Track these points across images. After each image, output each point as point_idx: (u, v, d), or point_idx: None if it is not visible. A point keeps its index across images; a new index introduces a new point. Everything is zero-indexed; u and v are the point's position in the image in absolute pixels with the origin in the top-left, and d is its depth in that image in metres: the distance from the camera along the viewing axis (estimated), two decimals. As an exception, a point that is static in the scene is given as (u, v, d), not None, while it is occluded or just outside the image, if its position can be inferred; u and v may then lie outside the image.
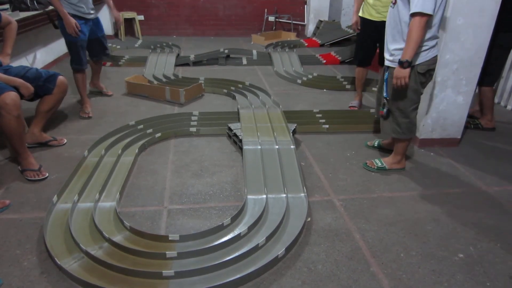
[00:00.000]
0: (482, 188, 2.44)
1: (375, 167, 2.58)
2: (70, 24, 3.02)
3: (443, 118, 2.87)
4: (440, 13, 2.14)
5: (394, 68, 2.26)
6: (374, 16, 3.23)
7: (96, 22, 3.37)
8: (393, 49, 2.28)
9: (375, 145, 2.87)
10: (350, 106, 3.68)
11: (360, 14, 3.36)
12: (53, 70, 2.78)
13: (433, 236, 1.98)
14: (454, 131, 2.94)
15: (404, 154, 2.58)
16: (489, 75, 3.07)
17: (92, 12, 3.24)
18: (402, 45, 2.20)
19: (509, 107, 3.80)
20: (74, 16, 3.06)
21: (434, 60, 2.26)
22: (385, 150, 2.82)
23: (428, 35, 2.16)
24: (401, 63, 2.17)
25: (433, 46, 2.22)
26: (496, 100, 3.93)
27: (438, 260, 1.81)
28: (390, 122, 2.48)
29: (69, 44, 3.17)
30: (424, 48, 2.19)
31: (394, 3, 2.23)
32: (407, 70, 2.18)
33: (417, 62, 2.22)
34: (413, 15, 2.07)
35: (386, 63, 2.36)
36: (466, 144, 3.03)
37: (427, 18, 2.06)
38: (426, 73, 2.27)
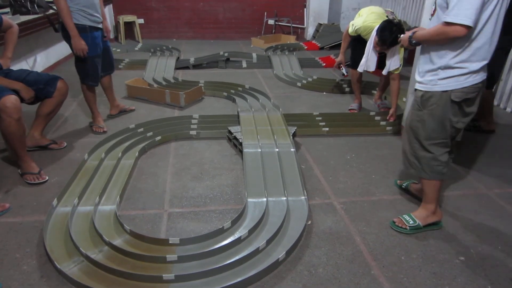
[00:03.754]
0: (483, 191, 2.43)
1: (408, 228, 2.00)
2: (80, 46, 2.72)
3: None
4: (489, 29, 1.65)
5: (421, 91, 1.83)
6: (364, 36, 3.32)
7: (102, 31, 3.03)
8: (427, 70, 1.80)
9: (403, 186, 2.36)
10: (350, 109, 3.69)
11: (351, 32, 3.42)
12: (54, 73, 2.76)
13: (433, 239, 1.97)
14: (454, 133, 2.93)
15: (436, 201, 2.00)
16: (488, 77, 3.08)
17: (101, 19, 2.93)
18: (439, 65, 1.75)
19: (508, 109, 3.80)
20: (91, 28, 2.78)
21: (474, 88, 1.75)
22: (414, 196, 2.29)
23: (463, 55, 1.69)
24: (410, 39, 1.83)
25: (476, 72, 1.72)
26: (495, 103, 3.93)
27: (439, 263, 1.81)
28: (408, 153, 1.99)
29: (84, 59, 2.83)
30: (460, 71, 1.71)
31: (433, 13, 1.78)
32: (406, 37, 1.85)
33: (450, 88, 1.75)
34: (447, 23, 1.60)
35: (416, 85, 1.90)
36: (466, 146, 3.03)
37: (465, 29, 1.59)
38: (463, 103, 1.77)
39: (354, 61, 3.54)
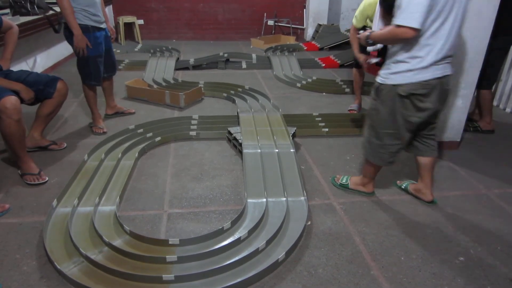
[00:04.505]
0: (482, 191, 2.44)
1: (338, 183, 2.41)
2: (82, 44, 2.73)
3: (442, 121, 2.87)
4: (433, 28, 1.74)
5: (378, 83, 1.98)
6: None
7: (106, 31, 3.03)
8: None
9: (403, 187, 2.40)
10: (349, 110, 3.69)
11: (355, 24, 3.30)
12: (54, 74, 2.76)
13: (433, 239, 1.98)
14: (453, 134, 2.94)
15: (371, 179, 2.28)
16: (487, 78, 3.09)
17: (103, 18, 2.96)
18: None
19: (508, 110, 3.81)
20: (93, 28, 2.79)
21: (423, 85, 1.83)
22: (413, 196, 2.34)
23: (412, 52, 1.80)
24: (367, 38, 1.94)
25: (417, 69, 1.81)
26: (494, 103, 3.94)
27: (438, 263, 1.81)
28: (364, 137, 2.18)
29: (86, 59, 2.84)
30: (408, 66, 1.83)
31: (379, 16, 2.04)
32: (364, 35, 1.95)
33: (398, 83, 1.87)
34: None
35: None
36: (465, 147, 3.03)
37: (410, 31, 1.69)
38: (411, 97, 1.87)
39: (356, 60, 3.52)
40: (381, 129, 2.02)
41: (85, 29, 2.75)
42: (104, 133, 3.09)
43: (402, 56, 1.83)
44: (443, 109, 2.00)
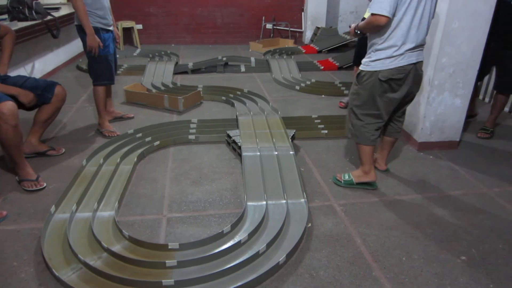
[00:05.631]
0: (483, 190, 2.43)
1: (342, 181, 2.44)
2: (94, 43, 2.81)
3: (441, 121, 2.87)
4: (404, 18, 1.99)
5: (359, 70, 2.22)
6: None
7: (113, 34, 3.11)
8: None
9: (346, 178, 2.45)
10: (340, 102, 3.84)
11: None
12: (52, 79, 2.76)
13: (434, 239, 1.96)
14: (452, 133, 2.94)
15: (370, 164, 2.35)
16: (507, 85, 3.09)
17: (112, 22, 3.04)
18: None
19: (506, 109, 3.80)
20: (102, 30, 2.88)
21: (399, 70, 2.07)
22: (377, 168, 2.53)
23: (389, 42, 2.04)
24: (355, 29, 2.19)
25: (395, 56, 2.05)
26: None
27: (440, 263, 1.80)
28: (347, 122, 2.40)
29: (97, 59, 2.92)
30: (386, 53, 2.07)
31: None
32: (353, 27, 2.22)
33: (378, 69, 2.10)
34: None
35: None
36: (465, 146, 3.03)
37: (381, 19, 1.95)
38: (389, 82, 2.10)
39: (358, 57, 3.53)
40: (362, 110, 2.24)
41: (94, 30, 2.84)
42: (118, 135, 3.07)
43: (380, 45, 2.08)
44: (417, 91, 2.27)
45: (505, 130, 3.36)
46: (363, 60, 2.19)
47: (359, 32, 2.17)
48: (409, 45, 2.04)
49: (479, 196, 2.36)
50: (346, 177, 2.44)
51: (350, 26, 2.29)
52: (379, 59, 2.09)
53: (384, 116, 2.24)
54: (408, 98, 2.28)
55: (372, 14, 1.97)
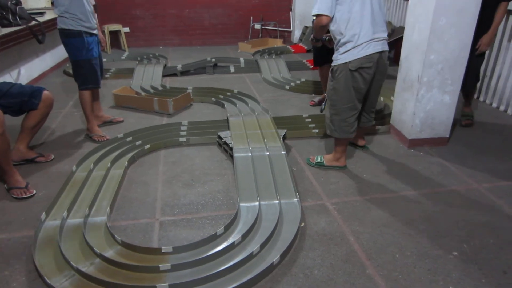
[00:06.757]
0: (473, 186, 2.46)
1: (314, 162, 2.67)
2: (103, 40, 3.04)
3: (431, 118, 2.90)
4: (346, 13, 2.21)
5: (332, 66, 2.39)
6: None
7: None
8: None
9: (318, 160, 2.69)
10: (311, 101, 3.93)
11: None
12: (38, 85, 2.72)
13: (427, 235, 1.98)
14: (442, 130, 2.97)
15: (343, 153, 2.61)
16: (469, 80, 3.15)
17: (95, 26, 2.98)
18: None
19: (494, 105, 3.86)
20: (85, 33, 2.84)
21: (367, 59, 2.25)
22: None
23: (351, 33, 2.23)
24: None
25: (360, 45, 2.23)
26: (481, 98, 4.00)
27: (433, 259, 1.82)
28: (327, 119, 2.54)
29: (82, 63, 2.90)
30: (351, 45, 2.24)
31: None
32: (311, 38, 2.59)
33: (348, 60, 2.27)
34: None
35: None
36: (455, 142, 3.06)
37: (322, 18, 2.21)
38: (359, 70, 2.28)
39: (319, 58, 3.60)
40: (341, 105, 2.40)
41: (77, 33, 2.82)
42: (107, 139, 3.03)
43: (344, 39, 2.25)
44: (383, 81, 2.45)
45: (493, 126, 3.41)
46: (333, 56, 2.36)
47: (315, 39, 2.50)
48: (369, 33, 2.23)
49: (469, 191, 2.39)
50: (319, 159, 2.67)
51: (310, 40, 2.60)
52: (346, 50, 2.26)
53: (358, 105, 2.42)
54: (375, 86, 2.44)
55: (315, 16, 2.21)
